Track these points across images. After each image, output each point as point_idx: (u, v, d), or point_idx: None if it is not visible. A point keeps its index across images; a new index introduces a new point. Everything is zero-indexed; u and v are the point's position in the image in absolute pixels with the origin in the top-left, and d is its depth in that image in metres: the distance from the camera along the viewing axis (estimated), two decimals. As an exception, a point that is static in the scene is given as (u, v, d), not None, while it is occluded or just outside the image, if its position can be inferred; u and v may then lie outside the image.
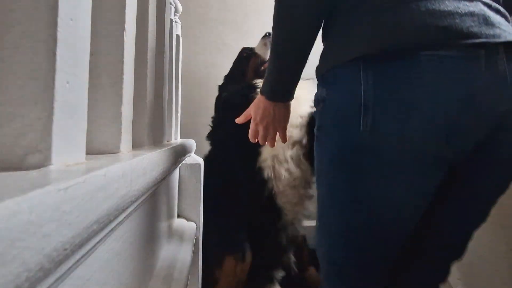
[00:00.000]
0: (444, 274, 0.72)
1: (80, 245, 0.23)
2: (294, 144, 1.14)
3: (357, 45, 0.56)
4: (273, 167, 1.13)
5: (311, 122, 1.14)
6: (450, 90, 0.51)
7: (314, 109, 0.72)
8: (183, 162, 0.99)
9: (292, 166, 1.13)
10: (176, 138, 1.06)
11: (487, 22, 0.53)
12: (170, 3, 0.98)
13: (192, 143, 1.06)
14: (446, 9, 0.52)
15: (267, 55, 1.27)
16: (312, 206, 1.21)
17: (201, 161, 1.06)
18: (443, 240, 0.67)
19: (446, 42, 0.51)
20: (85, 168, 0.28)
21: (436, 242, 0.68)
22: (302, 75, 0.70)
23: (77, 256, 0.26)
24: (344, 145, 0.59)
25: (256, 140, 0.81)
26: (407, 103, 0.52)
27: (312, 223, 1.84)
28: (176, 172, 0.95)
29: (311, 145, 0.98)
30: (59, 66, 0.27)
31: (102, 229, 0.28)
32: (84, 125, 0.33)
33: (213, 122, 1.32)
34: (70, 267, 0.25)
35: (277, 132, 0.80)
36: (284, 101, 0.76)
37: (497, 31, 0.53)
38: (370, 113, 0.54)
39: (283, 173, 1.12)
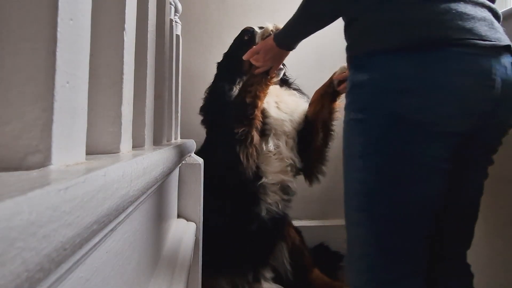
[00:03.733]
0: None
1: (80, 245, 0.23)
2: (287, 134, 1.24)
3: (399, 36, 0.67)
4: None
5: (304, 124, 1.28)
6: (472, 79, 0.64)
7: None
8: (183, 162, 0.99)
9: (279, 143, 1.21)
10: (176, 138, 1.06)
11: (493, 27, 0.67)
12: (170, 3, 0.98)
13: (192, 143, 1.06)
14: (469, 13, 0.65)
15: None
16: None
17: (201, 161, 1.06)
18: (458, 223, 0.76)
19: (470, 41, 0.64)
20: (85, 168, 0.28)
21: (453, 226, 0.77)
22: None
23: (77, 256, 0.26)
24: (390, 124, 0.68)
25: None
26: (441, 87, 0.64)
27: (311, 223, 1.84)
28: (176, 172, 0.95)
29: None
30: (59, 66, 0.27)
31: (102, 229, 0.28)
32: (84, 125, 0.33)
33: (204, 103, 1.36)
34: (70, 267, 0.25)
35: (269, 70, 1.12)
36: (289, 50, 1.03)
37: (499, 35, 0.67)
38: (409, 96, 0.65)
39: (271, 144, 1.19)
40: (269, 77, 1.16)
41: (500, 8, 1.21)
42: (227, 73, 1.34)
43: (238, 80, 1.29)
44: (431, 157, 0.67)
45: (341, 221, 1.99)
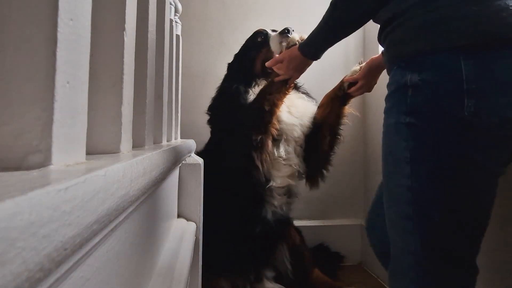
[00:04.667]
0: None
1: (80, 245, 0.23)
2: (297, 141, 1.24)
3: (456, 35, 0.63)
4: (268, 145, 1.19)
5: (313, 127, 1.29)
6: None
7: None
8: (183, 162, 0.99)
9: (289, 149, 1.23)
10: (176, 138, 1.06)
11: None
12: (170, 3, 0.98)
13: (192, 143, 1.06)
14: None
15: (279, 53, 1.25)
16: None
17: (201, 161, 1.06)
18: None
19: None
20: (85, 168, 0.28)
21: None
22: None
23: (77, 256, 0.26)
24: (450, 128, 0.64)
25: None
26: (506, 89, 0.61)
27: (311, 223, 1.84)
28: (176, 172, 0.95)
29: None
30: (59, 66, 0.27)
31: (102, 229, 0.28)
32: (84, 125, 0.33)
33: (213, 103, 1.36)
34: (70, 267, 0.25)
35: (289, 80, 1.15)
36: (314, 59, 1.05)
37: None
38: (474, 97, 0.61)
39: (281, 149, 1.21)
40: (288, 86, 1.18)
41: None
42: (238, 75, 1.32)
43: (253, 84, 1.28)
44: (494, 161, 0.64)
45: (341, 221, 2.00)
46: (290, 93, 1.21)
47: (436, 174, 0.66)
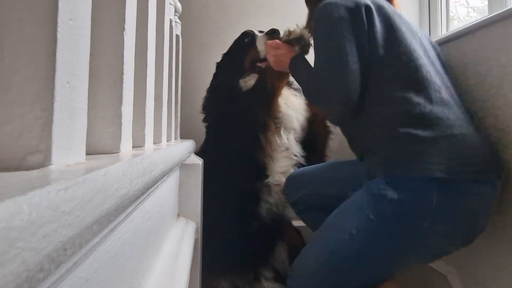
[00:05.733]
0: None
1: (80, 245, 0.23)
2: (295, 132, 1.28)
3: (435, 168, 0.80)
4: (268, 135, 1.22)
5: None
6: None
7: None
8: (183, 162, 0.99)
9: (287, 140, 1.25)
10: (176, 138, 1.06)
11: None
12: (170, 3, 0.98)
13: (192, 143, 1.06)
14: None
15: (265, 54, 1.30)
16: None
17: (201, 161, 1.06)
18: None
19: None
20: (85, 168, 0.28)
21: None
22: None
23: (77, 256, 0.26)
24: (411, 233, 0.84)
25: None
26: (461, 213, 0.82)
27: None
28: (176, 172, 0.95)
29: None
30: (59, 66, 0.27)
31: (102, 229, 0.28)
32: (84, 125, 0.33)
33: (205, 101, 1.40)
34: (70, 267, 0.25)
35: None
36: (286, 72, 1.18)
37: None
38: (436, 216, 0.80)
39: (277, 140, 1.22)
40: (286, 75, 1.22)
41: (500, 8, 1.21)
42: (228, 72, 1.37)
43: (244, 74, 1.33)
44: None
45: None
46: (286, 80, 1.27)
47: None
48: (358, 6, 0.93)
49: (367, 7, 0.93)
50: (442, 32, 1.75)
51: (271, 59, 1.18)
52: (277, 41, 1.17)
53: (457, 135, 0.84)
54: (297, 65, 1.09)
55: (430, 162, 0.80)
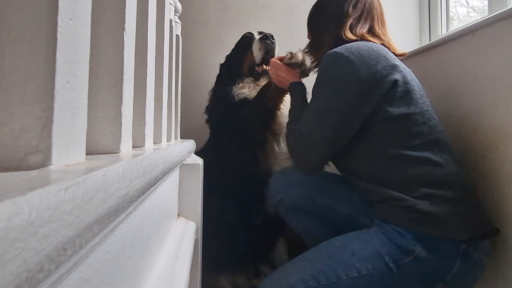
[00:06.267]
0: None
1: (80, 245, 0.23)
2: None
3: (458, 232, 0.84)
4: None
5: None
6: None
7: None
8: (183, 162, 0.99)
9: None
10: (176, 138, 1.06)
11: None
12: (170, 3, 0.98)
13: (192, 143, 1.06)
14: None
15: (260, 59, 1.35)
16: None
17: (201, 161, 1.06)
18: None
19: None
20: (85, 168, 0.28)
21: None
22: None
23: (77, 256, 0.26)
24: None
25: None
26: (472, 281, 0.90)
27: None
28: (176, 172, 0.95)
29: None
30: (59, 66, 0.27)
31: (102, 229, 0.28)
32: (84, 125, 0.33)
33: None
34: (70, 268, 0.25)
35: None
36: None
37: None
38: (451, 280, 0.83)
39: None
40: (285, 92, 1.22)
41: (500, 8, 1.21)
42: (228, 76, 1.40)
43: (238, 81, 1.35)
44: None
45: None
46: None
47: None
48: (382, 78, 0.91)
49: (395, 82, 0.92)
50: (442, 32, 1.75)
51: (273, 76, 1.19)
52: (279, 62, 1.16)
53: (471, 195, 0.90)
54: (293, 94, 1.11)
55: (457, 224, 0.83)
